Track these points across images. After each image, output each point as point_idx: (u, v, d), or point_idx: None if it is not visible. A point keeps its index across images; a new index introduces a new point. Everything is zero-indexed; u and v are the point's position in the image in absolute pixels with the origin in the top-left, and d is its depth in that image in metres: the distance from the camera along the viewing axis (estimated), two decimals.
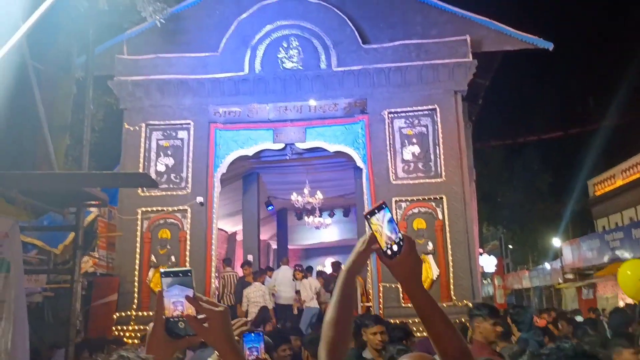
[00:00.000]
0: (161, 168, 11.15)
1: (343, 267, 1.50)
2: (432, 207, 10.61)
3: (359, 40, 11.24)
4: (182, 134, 11.31)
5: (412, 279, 1.42)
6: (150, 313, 9.70)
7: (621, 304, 14.11)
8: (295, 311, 11.01)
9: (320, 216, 16.86)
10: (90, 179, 5.14)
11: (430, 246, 10.41)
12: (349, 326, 1.50)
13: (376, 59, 11.08)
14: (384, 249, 1.40)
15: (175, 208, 10.93)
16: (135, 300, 10.42)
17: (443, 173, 10.67)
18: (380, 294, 10.22)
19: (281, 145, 11.56)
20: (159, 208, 10.93)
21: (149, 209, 10.90)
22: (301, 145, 11.51)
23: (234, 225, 17.55)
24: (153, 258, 10.71)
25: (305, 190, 14.40)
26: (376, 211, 1.42)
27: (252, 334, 1.75)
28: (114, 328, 9.97)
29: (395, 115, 11.06)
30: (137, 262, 10.64)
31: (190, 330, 1.20)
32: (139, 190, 10.81)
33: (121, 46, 11.56)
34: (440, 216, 10.55)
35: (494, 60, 12.09)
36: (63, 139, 5.29)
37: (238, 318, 2.28)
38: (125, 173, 9.53)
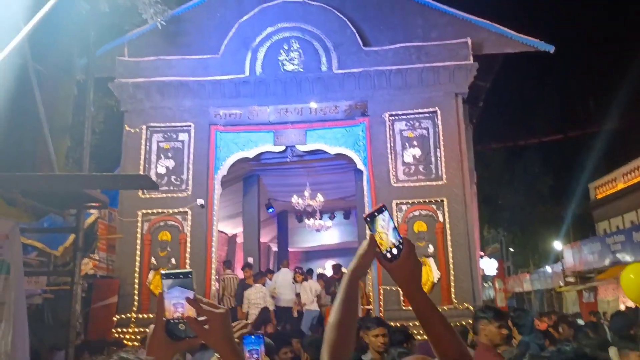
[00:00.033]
0: (161, 170, 11.15)
1: (347, 269, 1.50)
2: (433, 209, 10.60)
3: (360, 42, 11.25)
4: (182, 136, 11.31)
5: (412, 282, 1.42)
6: (151, 315, 9.70)
7: (622, 307, 14.09)
8: (295, 314, 11.00)
9: (320, 219, 16.85)
10: (90, 180, 5.14)
11: (430, 249, 10.39)
12: (352, 329, 1.49)
13: (377, 62, 11.09)
14: (384, 252, 1.40)
15: (176, 210, 10.93)
16: (136, 303, 10.41)
17: (444, 175, 10.67)
18: (381, 297, 10.22)
19: (282, 148, 11.57)
20: (160, 210, 10.92)
21: (150, 211, 10.90)
22: (302, 148, 11.51)
23: (234, 228, 17.55)
24: (153, 260, 10.70)
25: (306, 193, 14.40)
26: (376, 214, 1.42)
27: (253, 337, 1.74)
28: (114, 330, 9.96)
29: (396, 117, 11.06)
30: (138, 264, 10.63)
31: (190, 332, 1.20)
32: (140, 193, 10.81)
33: (122, 48, 11.57)
34: (440, 219, 10.54)
35: (495, 62, 12.09)
36: (64, 140, 5.29)
37: (238, 320, 2.28)
38: (126, 175, 9.53)
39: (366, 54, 11.19)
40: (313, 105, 11.18)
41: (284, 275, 11.47)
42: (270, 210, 17.01)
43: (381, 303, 10.19)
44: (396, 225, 1.42)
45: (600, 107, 25.52)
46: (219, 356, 1.28)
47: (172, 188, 11.06)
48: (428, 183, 10.70)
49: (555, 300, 23.35)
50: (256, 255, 14.36)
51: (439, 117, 10.91)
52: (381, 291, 10.20)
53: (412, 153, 10.89)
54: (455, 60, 10.94)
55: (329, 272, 13.51)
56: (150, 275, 10.61)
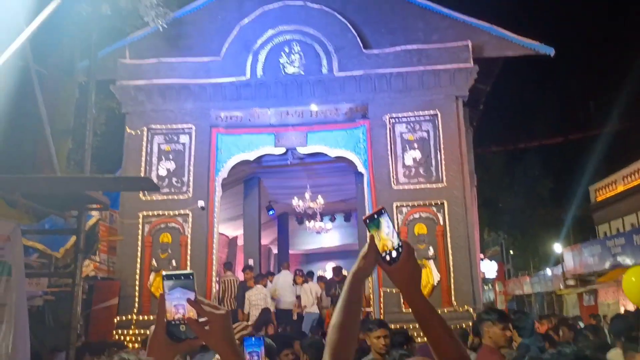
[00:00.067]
0: (162, 172, 11.16)
1: (350, 271, 1.51)
2: (433, 212, 10.60)
3: (361, 45, 11.27)
4: (183, 138, 11.33)
5: (411, 285, 1.42)
6: (151, 317, 9.70)
7: (622, 310, 14.08)
8: (295, 317, 11.00)
9: (321, 221, 16.88)
10: (92, 182, 5.15)
11: (431, 251, 10.39)
12: (354, 331, 1.49)
13: (377, 64, 11.11)
14: (383, 254, 1.41)
15: (177, 212, 10.93)
16: (136, 305, 10.41)
17: (444, 178, 10.67)
18: (381, 300, 10.21)
19: (282, 150, 11.58)
20: (160, 212, 10.93)
21: (150, 213, 10.91)
22: (302, 150, 11.53)
23: (235, 230, 17.56)
24: (154, 262, 10.70)
25: (307, 195, 14.42)
26: (375, 216, 1.43)
27: (253, 338, 1.75)
28: (114, 332, 9.96)
29: (397, 120, 11.07)
30: (138, 266, 10.63)
31: (191, 334, 1.20)
32: (141, 194, 10.83)
33: (123, 50, 11.60)
34: (441, 221, 10.54)
35: (495, 65, 12.11)
36: (65, 142, 5.31)
37: (239, 322, 2.28)
38: (127, 177, 9.55)
39: (367, 57, 11.21)
40: (314, 107, 11.19)
41: (285, 278, 11.48)
42: (271, 212, 17.03)
43: (381, 305, 10.18)
44: (396, 228, 1.43)
45: (601, 110, 25.53)
46: (219, 357, 1.28)
47: (173, 190, 11.07)
48: (428, 185, 10.71)
49: (556, 303, 23.32)
50: (257, 258, 14.36)
51: (440, 119, 10.92)
52: (381, 293, 10.19)
53: (413, 156, 10.90)
54: (456, 63, 10.95)
55: (329, 275, 13.53)
56: (151, 277, 10.61)
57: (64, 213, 5.41)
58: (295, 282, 11.34)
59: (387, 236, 1.41)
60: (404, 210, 10.66)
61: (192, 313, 1.20)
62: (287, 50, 11.43)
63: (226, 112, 11.37)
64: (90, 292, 10.13)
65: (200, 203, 10.80)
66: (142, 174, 10.81)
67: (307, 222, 17.17)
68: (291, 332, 9.46)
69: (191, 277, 1.22)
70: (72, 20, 5.57)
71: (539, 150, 27.23)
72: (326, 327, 9.32)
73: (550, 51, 11.11)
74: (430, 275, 10.25)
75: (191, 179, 11.08)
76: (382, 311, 10.05)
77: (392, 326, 7.22)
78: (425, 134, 10.99)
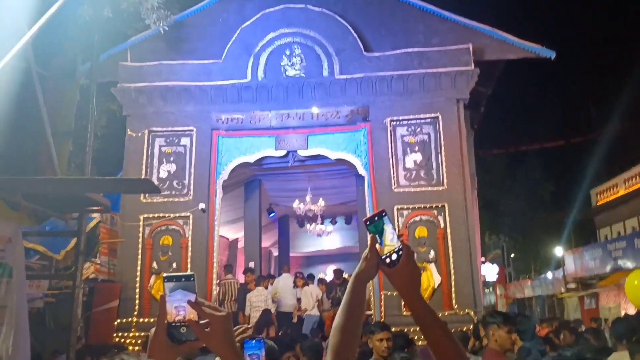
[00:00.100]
0: (163, 174, 11.17)
1: (353, 274, 1.50)
2: (434, 215, 10.60)
3: (362, 48, 11.28)
4: (184, 141, 11.34)
5: (411, 288, 1.42)
6: (152, 320, 9.69)
7: (623, 314, 14.05)
8: (295, 319, 10.99)
9: (322, 223, 16.86)
10: (93, 184, 5.15)
11: (431, 254, 10.39)
12: (357, 333, 1.49)
13: (378, 67, 11.12)
14: (383, 257, 1.41)
15: (177, 215, 10.94)
16: (137, 307, 10.41)
17: (445, 181, 10.67)
18: (382, 303, 10.20)
19: (283, 153, 11.58)
20: (161, 214, 10.94)
21: (151, 216, 10.91)
22: (303, 153, 11.54)
23: (235, 232, 17.56)
24: (154, 264, 10.70)
25: (307, 198, 14.41)
26: (376, 218, 1.43)
27: (253, 341, 1.74)
28: (115, 334, 9.96)
29: (398, 123, 11.07)
30: (139, 268, 10.63)
31: (192, 335, 1.20)
32: (141, 197, 10.83)
33: (125, 53, 11.62)
34: (442, 224, 10.53)
35: (496, 68, 12.11)
36: (66, 144, 5.31)
37: (239, 325, 2.27)
38: (128, 179, 9.55)
39: (368, 60, 11.22)
40: (315, 110, 11.20)
41: (285, 280, 11.47)
42: (272, 215, 17.03)
43: (382, 308, 10.17)
44: (396, 230, 1.43)
45: (602, 113, 25.53)
46: (220, 359, 1.28)
47: (173, 192, 11.07)
48: (429, 188, 10.71)
49: (557, 306, 23.27)
50: (257, 260, 14.37)
51: (440, 122, 10.93)
52: (382, 296, 10.18)
53: (413, 158, 10.90)
54: (457, 66, 10.96)
55: (330, 277, 13.52)
56: (152, 279, 10.61)
57: (65, 215, 5.41)
58: (295, 284, 11.33)
59: (388, 238, 1.41)
60: (405, 213, 10.66)
61: (192, 315, 1.20)
62: (288, 52, 11.45)
63: (227, 115, 11.38)
64: (90, 295, 10.13)
65: (201, 205, 10.80)
66: (143, 177, 10.82)
67: (307, 225, 17.16)
68: (292, 334, 9.45)
69: (192, 278, 1.22)
70: (74, 23, 5.58)
71: (540, 153, 27.26)
72: (326, 330, 9.31)
73: (551, 54, 11.12)
74: (431, 278, 10.24)
75: (192, 181, 11.09)
76: (382, 314, 10.04)
77: (393, 329, 7.22)
78: (426, 137, 10.99)
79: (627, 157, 20.55)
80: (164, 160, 11.26)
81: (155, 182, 10.26)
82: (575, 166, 25.42)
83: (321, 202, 14.57)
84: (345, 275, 11.65)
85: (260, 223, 14.93)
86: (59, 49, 5.29)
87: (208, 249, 10.87)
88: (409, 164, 10.89)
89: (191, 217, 10.88)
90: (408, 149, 10.96)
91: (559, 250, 22.96)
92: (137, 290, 10.52)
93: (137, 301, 10.45)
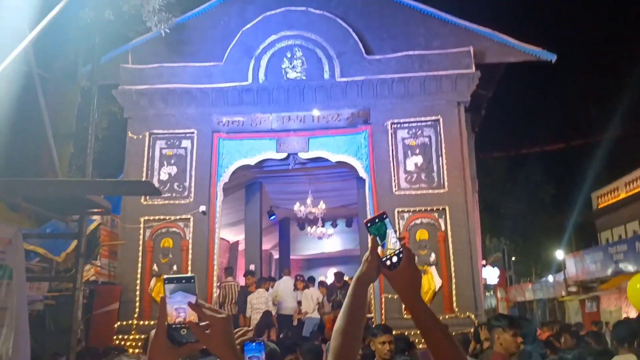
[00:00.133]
0: (164, 177, 11.18)
1: (354, 276, 1.50)
2: (435, 218, 10.59)
3: (363, 51, 11.29)
4: (185, 143, 11.35)
5: (411, 291, 1.42)
6: (152, 322, 9.68)
7: (624, 317, 14.02)
8: (295, 322, 10.98)
9: (322, 226, 16.83)
10: (93, 186, 5.15)
11: (432, 257, 10.38)
12: (358, 336, 1.49)
13: (379, 70, 11.13)
14: (384, 259, 1.41)
15: (178, 217, 10.94)
16: (137, 310, 10.40)
17: (446, 184, 10.67)
18: (382, 306, 10.18)
19: (284, 155, 11.58)
20: (162, 217, 10.94)
21: (152, 218, 10.91)
22: (304, 155, 11.54)
23: (236, 235, 17.55)
24: (155, 267, 10.69)
25: (308, 200, 14.40)
26: (377, 220, 1.42)
27: (253, 344, 1.73)
28: (115, 337, 9.95)
29: (398, 125, 11.08)
30: (139, 270, 10.63)
31: (192, 337, 1.20)
32: (142, 199, 10.84)
33: (126, 55, 11.63)
34: (442, 227, 10.53)
35: (497, 71, 12.12)
36: (67, 146, 5.32)
37: (240, 327, 2.27)
38: (129, 181, 9.55)
39: (369, 63, 11.23)
40: (315, 113, 11.21)
41: (286, 283, 11.46)
42: (272, 217, 17.02)
43: (383, 311, 10.15)
44: (397, 233, 1.43)
45: (603, 116, 25.49)
46: None
47: (174, 195, 11.07)
48: (430, 191, 10.70)
49: (558, 309, 23.25)
50: (258, 263, 14.35)
51: (441, 125, 10.93)
52: (382, 299, 10.17)
53: (414, 161, 10.90)
54: (458, 68, 10.97)
55: (330, 281, 13.50)
56: (152, 282, 10.61)
57: (66, 217, 5.41)
58: (296, 287, 11.32)
59: (389, 241, 1.41)
60: (406, 216, 10.65)
61: (193, 317, 1.19)
62: (289, 55, 11.46)
63: (228, 117, 11.38)
64: (91, 297, 10.13)
65: (202, 208, 10.80)
66: (144, 179, 10.82)
67: (308, 228, 17.14)
68: (293, 337, 9.43)
69: (192, 280, 1.21)
70: (75, 25, 5.59)
71: (540, 156, 27.22)
72: (327, 333, 9.29)
73: (552, 57, 11.12)
74: (432, 281, 10.23)
75: (193, 183, 11.10)
76: (383, 317, 10.02)
77: (394, 332, 7.21)
78: (426, 140, 10.99)
79: (628, 160, 20.53)
80: (165, 163, 11.27)
81: (156, 185, 10.27)
82: (576, 169, 25.41)
83: (322, 205, 14.56)
84: (345, 278, 11.64)
85: (260, 226, 14.93)
86: (60, 51, 5.31)
87: (209, 251, 10.86)
88: (410, 166, 10.89)
89: (192, 219, 10.88)
90: (409, 152, 10.96)
91: (559, 254, 22.93)
92: (138, 292, 10.51)
93: (137, 304, 10.44)
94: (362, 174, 11.26)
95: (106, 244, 11.04)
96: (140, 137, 11.27)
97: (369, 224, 1.43)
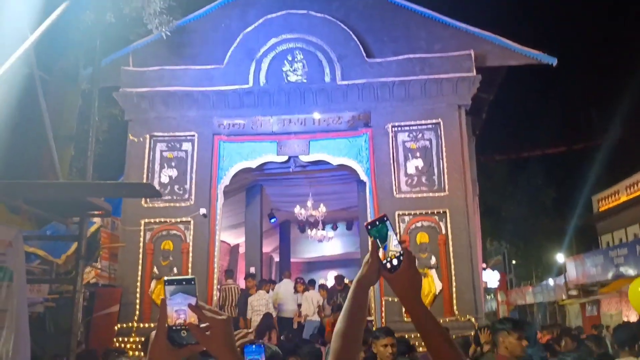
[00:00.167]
0: (165, 179, 11.18)
1: (355, 278, 1.50)
2: (435, 221, 10.59)
3: (363, 54, 11.31)
4: (186, 146, 11.35)
5: (411, 294, 1.41)
6: (152, 325, 9.66)
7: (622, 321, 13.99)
8: (295, 325, 10.96)
9: (323, 229, 16.83)
10: (94, 188, 5.16)
11: (433, 260, 10.37)
12: (358, 338, 1.48)
13: (380, 73, 11.14)
14: (384, 262, 1.41)
15: (178, 219, 10.94)
16: (137, 312, 10.39)
17: (446, 187, 10.67)
18: (383, 309, 10.17)
19: (285, 158, 11.59)
20: (162, 219, 10.93)
21: (152, 220, 10.91)
22: (305, 158, 11.54)
23: (236, 238, 17.54)
24: (155, 269, 10.69)
25: (309, 203, 14.40)
26: (377, 223, 1.42)
27: (253, 346, 1.73)
28: (115, 339, 9.93)
29: (399, 128, 11.09)
30: (140, 273, 10.62)
31: (192, 339, 1.20)
32: (142, 202, 10.84)
33: (127, 58, 11.65)
34: (443, 230, 10.52)
35: (498, 74, 12.12)
36: (68, 149, 5.32)
37: (240, 329, 2.26)
38: (129, 183, 9.55)
39: (370, 66, 11.24)
40: (316, 116, 11.22)
41: (286, 286, 11.46)
42: (273, 220, 17.02)
43: (383, 314, 10.14)
44: (397, 236, 1.42)
45: (603, 119, 25.53)
46: None
47: (175, 197, 11.08)
48: (430, 194, 10.70)
49: (558, 313, 23.20)
50: (258, 265, 14.35)
51: (442, 128, 10.93)
52: (383, 302, 10.16)
53: (415, 164, 10.90)
54: (459, 72, 10.97)
55: (331, 284, 13.50)
56: (153, 284, 10.60)
57: (66, 219, 5.41)
58: (296, 290, 11.31)
59: (389, 243, 1.40)
60: (406, 219, 10.65)
61: (193, 318, 1.19)
62: (290, 58, 11.48)
63: (229, 120, 11.39)
64: (91, 299, 10.12)
65: (202, 210, 10.80)
66: (145, 181, 10.82)
67: (309, 230, 17.13)
68: (293, 339, 9.43)
69: (192, 282, 1.21)
70: (77, 28, 5.60)
71: (541, 159, 27.24)
72: (327, 337, 9.29)
73: (553, 61, 11.13)
74: (432, 284, 10.22)
75: (193, 186, 11.10)
76: (383, 320, 10.01)
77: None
78: (427, 143, 10.99)
79: (629, 164, 20.52)
80: (166, 165, 11.28)
81: (157, 187, 10.28)
82: (576, 172, 25.37)
83: (322, 208, 14.55)
84: (346, 281, 11.64)
85: (261, 228, 14.92)
86: (61, 54, 5.31)
87: (209, 254, 10.86)
88: (411, 169, 10.89)
89: (192, 222, 10.88)
90: (409, 155, 10.97)
91: (560, 257, 22.91)
92: (138, 295, 10.50)
93: (137, 306, 10.43)
94: (363, 176, 11.26)
95: (106, 246, 11.04)
96: (141, 139, 11.28)
97: (369, 227, 1.43)
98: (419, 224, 10.64)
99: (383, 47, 11.53)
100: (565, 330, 9.18)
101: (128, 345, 9.74)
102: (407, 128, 11.09)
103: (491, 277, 22.44)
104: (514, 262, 31.84)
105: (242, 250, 17.83)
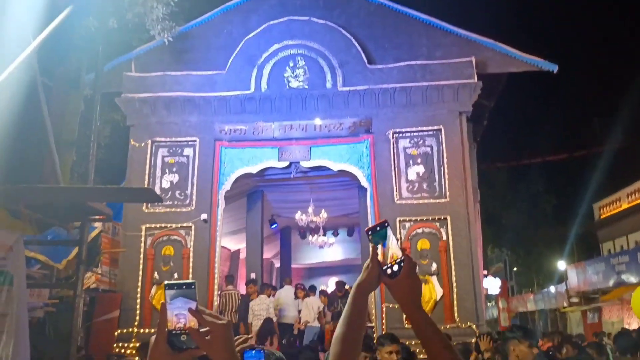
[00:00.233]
0: (166, 185, 11.19)
1: (354, 283, 1.49)
2: (436, 227, 10.58)
3: (365, 60, 11.34)
4: (187, 151, 11.37)
5: (411, 300, 1.41)
6: (152, 330, 9.64)
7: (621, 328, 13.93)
8: (296, 332, 10.94)
9: (324, 235, 16.81)
10: (95, 193, 5.16)
11: (434, 267, 10.36)
12: (357, 343, 1.48)
13: (381, 79, 11.17)
14: (384, 268, 1.40)
15: (179, 225, 10.94)
16: (137, 317, 10.38)
17: (447, 193, 10.67)
18: (383, 315, 10.14)
19: (286, 164, 11.60)
20: (163, 225, 10.94)
21: (153, 226, 10.92)
22: (306, 164, 11.55)
23: (237, 243, 17.52)
24: (156, 275, 10.69)
25: (310, 209, 14.39)
26: (378, 229, 1.42)
27: (253, 351, 1.73)
28: (115, 345, 9.91)
29: (400, 135, 11.10)
30: (140, 278, 10.62)
31: (192, 343, 1.20)
32: (143, 207, 10.85)
33: (129, 64, 11.70)
34: (444, 237, 10.51)
35: (499, 81, 12.15)
36: (69, 153, 5.33)
37: (240, 335, 2.25)
38: (130, 187, 9.56)
39: (371, 72, 11.27)
40: (317, 122, 11.24)
41: (287, 292, 11.43)
42: (274, 226, 17.01)
43: (384, 321, 10.11)
44: (398, 242, 1.42)
45: (605, 126, 25.53)
46: None
47: (176, 203, 11.08)
48: (431, 201, 10.70)
49: (560, 320, 23.13)
50: (259, 271, 14.32)
51: (443, 135, 10.95)
52: (384, 309, 10.13)
53: (416, 170, 10.91)
54: (460, 79, 11.00)
55: (332, 290, 13.46)
56: (153, 289, 10.59)
57: (67, 224, 5.41)
58: (296, 296, 11.29)
59: (390, 249, 1.40)
60: (407, 225, 10.64)
61: (193, 323, 1.19)
62: (291, 64, 11.51)
63: (230, 126, 11.41)
64: (91, 305, 10.11)
65: (203, 216, 10.80)
66: (146, 187, 10.83)
67: (309, 236, 17.11)
68: (292, 344, 9.41)
69: (193, 286, 1.21)
70: (79, 34, 5.62)
71: (542, 166, 27.25)
72: (326, 344, 9.26)
73: (554, 68, 11.15)
74: (433, 291, 10.20)
75: (194, 191, 11.11)
76: (384, 327, 9.98)
77: None
78: (428, 149, 11.00)
79: (630, 171, 20.51)
80: (167, 171, 11.29)
81: (158, 192, 10.28)
82: (578, 180, 25.40)
83: (323, 214, 14.54)
84: (347, 287, 11.61)
85: (262, 234, 14.91)
86: (63, 59, 5.33)
87: (210, 259, 10.85)
88: (412, 176, 10.90)
89: (193, 227, 10.88)
90: (410, 161, 10.97)
91: (561, 264, 22.87)
92: (138, 300, 10.49)
93: (138, 311, 10.42)
94: (364, 183, 11.26)
95: (107, 251, 11.03)
96: (143, 145, 11.30)
97: (370, 232, 1.43)
98: (419, 231, 10.63)
99: (384, 54, 11.56)
100: (566, 338, 9.14)
101: (128, 351, 9.72)
102: (408, 134, 11.10)
103: (492, 284, 22.34)
104: (515, 269, 31.79)
105: (242, 256, 17.80)
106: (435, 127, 11.02)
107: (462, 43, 11.41)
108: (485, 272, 19.56)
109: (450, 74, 11.04)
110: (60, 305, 8.83)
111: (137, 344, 9.72)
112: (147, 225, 10.89)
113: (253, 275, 13.54)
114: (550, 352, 7.12)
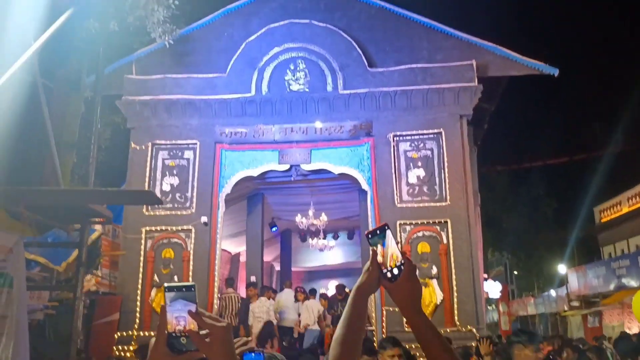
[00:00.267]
0: (166, 187, 11.19)
1: (354, 286, 1.49)
2: (437, 230, 10.57)
3: (365, 63, 11.35)
4: (188, 154, 11.37)
5: (411, 303, 1.40)
6: (152, 333, 9.64)
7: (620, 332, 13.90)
8: (296, 335, 10.92)
9: (324, 238, 16.79)
10: (96, 195, 5.16)
11: (434, 270, 10.34)
12: (356, 346, 1.47)
13: (382, 83, 11.17)
14: (384, 271, 1.40)
15: (179, 228, 10.94)
16: (137, 320, 10.37)
17: (448, 197, 10.66)
18: (384, 319, 10.13)
19: (286, 167, 11.60)
20: (163, 227, 10.94)
21: (153, 228, 10.91)
22: (306, 167, 11.55)
23: (237, 246, 17.50)
24: (156, 277, 10.68)
25: (310, 212, 14.38)
26: (378, 232, 1.42)
27: (253, 354, 1.72)
28: (115, 347, 9.90)
29: (401, 138, 11.10)
30: (140, 281, 10.61)
31: (192, 346, 1.19)
32: (144, 209, 10.85)
33: (130, 66, 11.71)
34: (444, 240, 10.50)
35: (499, 85, 12.16)
36: (70, 156, 5.33)
37: (239, 337, 2.24)
38: (130, 190, 9.56)
39: (372, 75, 11.28)
40: (318, 125, 11.24)
41: (287, 295, 11.41)
42: (274, 229, 16.99)
43: (384, 324, 10.10)
44: (398, 245, 1.42)
45: (605, 130, 25.55)
46: None
47: (176, 205, 11.08)
48: (432, 204, 10.69)
49: (560, 324, 23.10)
50: (259, 274, 14.29)
51: (444, 138, 10.95)
52: (384, 312, 10.12)
53: (416, 174, 10.91)
54: (460, 82, 11.01)
55: (332, 293, 13.44)
56: (153, 292, 10.58)
57: (67, 226, 5.40)
58: (296, 299, 11.28)
59: (390, 252, 1.40)
60: (407, 228, 10.64)
61: (193, 325, 1.19)
62: (292, 67, 11.53)
63: (231, 128, 11.42)
64: (91, 307, 10.09)
65: (203, 219, 10.80)
66: (146, 189, 10.83)
67: (310, 239, 17.10)
68: (292, 347, 9.39)
69: (193, 289, 1.21)
70: (80, 36, 5.62)
71: (543, 170, 27.27)
72: (326, 347, 9.24)
73: (555, 71, 11.16)
74: (433, 294, 10.18)
75: (195, 194, 11.11)
76: (384, 330, 9.97)
77: None
78: (429, 153, 11.00)
79: (631, 175, 20.52)
80: (167, 173, 11.29)
81: (158, 195, 10.28)
82: (578, 183, 25.40)
83: (324, 217, 14.53)
84: (347, 290, 11.59)
85: (262, 237, 14.89)
86: (64, 61, 5.33)
87: (210, 262, 10.85)
88: (412, 179, 10.89)
89: (193, 230, 10.88)
90: (411, 164, 10.97)
91: (562, 268, 22.85)
92: (138, 303, 10.48)
93: (137, 314, 10.41)
94: (364, 186, 11.26)
95: (107, 254, 11.03)
96: (143, 147, 11.30)
97: (370, 236, 1.42)
98: (420, 234, 10.62)
99: (385, 57, 11.57)
100: (567, 342, 9.12)
101: (128, 354, 9.70)
102: (408, 137, 11.11)
103: (492, 288, 22.33)
104: (515, 272, 31.75)
105: (242, 258, 17.78)
106: (436, 130, 11.02)
107: (462, 46, 11.43)
108: (486, 275, 19.54)
109: (450, 77, 11.05)
110: (60, 308, 8.82)
111: (138, 347, 9.73)
112: (148, 228, 10.89)
113: (253, 278, 13.51)
114: (551, 356, 7.09)
